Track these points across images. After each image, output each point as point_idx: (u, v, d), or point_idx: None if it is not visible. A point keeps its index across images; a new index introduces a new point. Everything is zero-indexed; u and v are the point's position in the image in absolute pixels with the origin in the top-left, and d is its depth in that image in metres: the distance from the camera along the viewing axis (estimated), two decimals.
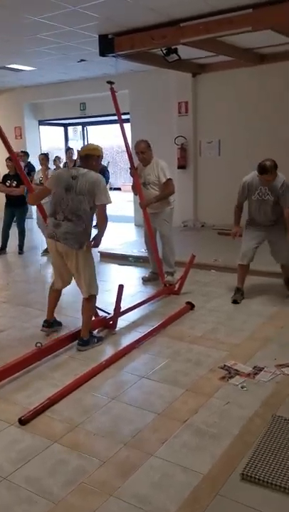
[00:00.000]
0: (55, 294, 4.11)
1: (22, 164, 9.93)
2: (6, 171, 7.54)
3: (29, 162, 10.02)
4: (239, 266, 4.90)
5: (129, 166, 5.34)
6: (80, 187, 3.64)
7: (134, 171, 5.27)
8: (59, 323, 4.24)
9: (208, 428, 2.66)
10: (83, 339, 3.81)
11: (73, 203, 3.66)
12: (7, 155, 6.16)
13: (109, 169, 10.14)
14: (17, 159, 4.45)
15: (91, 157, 3.77)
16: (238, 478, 2.22)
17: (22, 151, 10.30)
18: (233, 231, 4.90)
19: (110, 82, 5.02)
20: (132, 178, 5.42)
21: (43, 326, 4.13)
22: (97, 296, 3.92)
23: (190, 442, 2.54)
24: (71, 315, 4.39)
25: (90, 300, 3.86)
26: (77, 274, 3.81)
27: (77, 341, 3.83)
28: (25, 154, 10.22)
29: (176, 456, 2.43)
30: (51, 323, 4.15)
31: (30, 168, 9.91)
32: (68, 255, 3.75)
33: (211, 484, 2.20)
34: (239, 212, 4.86)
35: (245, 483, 2.20)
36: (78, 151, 3.80)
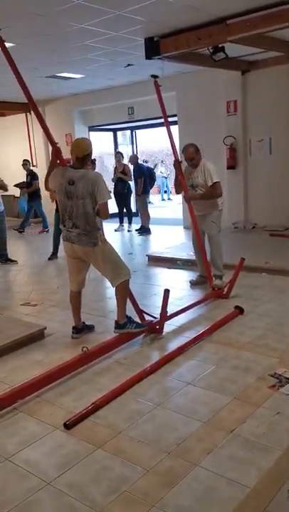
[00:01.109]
0: (75, 298, 4.13)
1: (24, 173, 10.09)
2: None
3: (31, 170, 10.15)
4: None
5: None
6: (80, 191, 3.64)
7: (178, 164, 5.14)
8: (90, 327, 4.25)
9: (256, 439, 2.54)
10: (119, 323, 3.87)
11: (78, 209, 3.68)
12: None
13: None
14: (66, 166, 4.52)
15: (87, 156, 3.77)
16: (285, 496, 2.10)
17: (24, 160, 10.49)
18: None
19: (154, 76, 4.94)
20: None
21: (73, 333, 4.14)
22: (145, 300, 3.89)
23: (236, 454, 2.44)
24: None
25: (119, 286, 3.85)
26: (100, 268, 3.87)
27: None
28: (28, 162, 10.36)
29: (222, 467, 2.34)
30: (80, 329, 4.16)
31: (33, 177, 10.00)
32: (87, 254, 3.82)
33: (257, 500, 2.10)
34: None
35: None
36: (72, 152, 3.71)
